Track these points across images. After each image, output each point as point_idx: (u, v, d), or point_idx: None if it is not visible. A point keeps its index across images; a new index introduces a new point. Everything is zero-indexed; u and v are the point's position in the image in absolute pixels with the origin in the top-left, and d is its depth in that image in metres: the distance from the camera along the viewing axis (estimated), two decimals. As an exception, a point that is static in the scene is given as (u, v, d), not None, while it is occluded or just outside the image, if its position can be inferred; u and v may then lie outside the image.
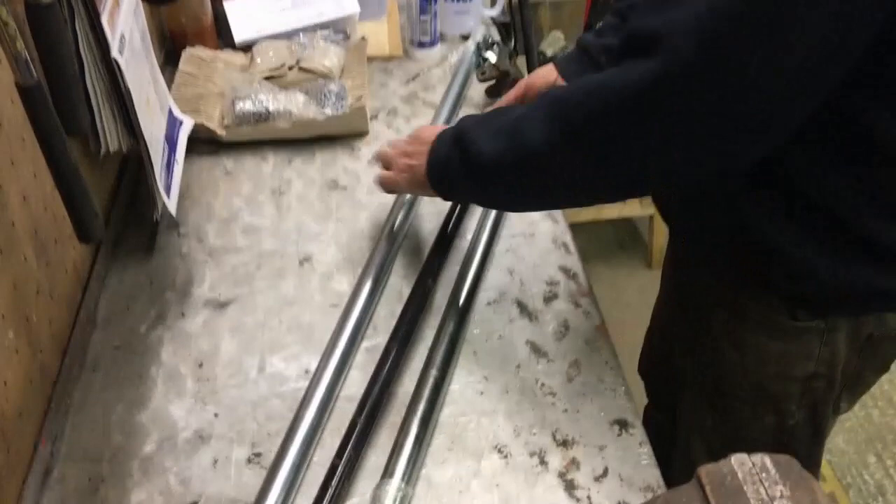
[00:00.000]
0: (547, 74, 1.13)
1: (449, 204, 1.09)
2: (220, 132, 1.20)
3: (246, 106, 1.19)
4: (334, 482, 0.74)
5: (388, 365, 0.85)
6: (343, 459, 0.76)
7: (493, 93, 1.32)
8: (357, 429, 0.79)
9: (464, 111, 1.31)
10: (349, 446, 0.77)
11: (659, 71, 0.63)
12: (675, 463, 1.09)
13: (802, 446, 0.98)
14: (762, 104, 0.63)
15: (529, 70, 1.75)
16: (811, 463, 1.03)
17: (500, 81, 1.30)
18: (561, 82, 1.11)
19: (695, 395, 1.03)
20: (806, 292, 0.84)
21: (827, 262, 0.79)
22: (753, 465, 0.57)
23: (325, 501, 0.73)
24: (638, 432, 0.83)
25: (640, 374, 1.26)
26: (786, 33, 0.59)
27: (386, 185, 0.96)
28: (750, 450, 0.79)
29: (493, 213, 1.05)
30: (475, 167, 0.79)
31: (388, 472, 0.75)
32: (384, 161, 0.96)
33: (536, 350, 0.91)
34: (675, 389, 1.07)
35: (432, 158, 0.85)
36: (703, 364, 0.98)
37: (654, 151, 0.68)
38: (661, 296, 1.17)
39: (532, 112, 0.74)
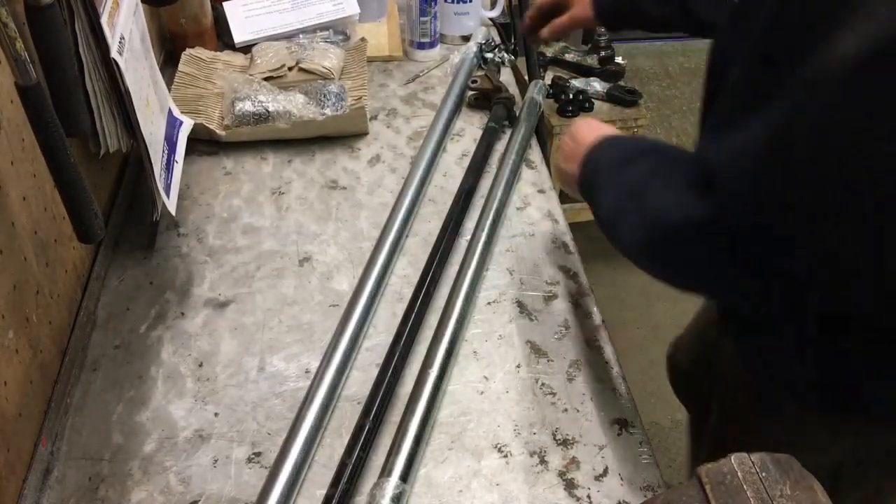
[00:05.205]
0: None
1: (449, 204, 1.09)
2: (220, 132, 1.20)
3: (245, 106, 1.19)
4: (343, 481, 0.74)
5: (392, 365, 0.85)
6: (353, 459, 0.76)
7: (477, 105, 1.31)
8: (366, 429, 0.79)
9: (464, 112, 1.31)
10: (360, 448, 0.77)
11: (709, 217, 0.64)
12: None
13: None
14: (810, 266, 0.62)
15: (529, 71, 1.75)
16: None
17: (488, 94, 1.29)
18: None
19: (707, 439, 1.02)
20: (811, 377, 0.81)
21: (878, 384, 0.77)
22: (754, 464, 0.57)
23: (334, 501, 0.73)
24: (638, 432, 0.83)
25: (674, 388, 1.23)
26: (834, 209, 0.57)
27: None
28: None
29: (492, 213, 1.05)
30: (596, 212, 0.83)
31: (385, 471, 0.75)
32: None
33: (536, 350, 0.91)
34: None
35: (581, 176, 0.87)
36: (722, 421, 0.97)
37: (705, 278, 0.70)
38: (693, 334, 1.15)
39: (629, 207, 0.76)
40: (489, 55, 1.38)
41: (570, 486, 0.78)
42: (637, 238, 0.74)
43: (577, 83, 2.26)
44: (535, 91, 1.29)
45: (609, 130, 0.90)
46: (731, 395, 0.93)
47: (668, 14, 1.06)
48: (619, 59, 2.38)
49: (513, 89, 1.36)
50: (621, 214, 0.77)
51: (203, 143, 1.21)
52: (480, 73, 1.32)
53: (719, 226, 0.64)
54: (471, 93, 1.31)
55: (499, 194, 1.08)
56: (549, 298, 0.98)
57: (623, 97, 2.23)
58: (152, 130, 0.97)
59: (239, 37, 1.39)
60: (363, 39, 1.39)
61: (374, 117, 1.30)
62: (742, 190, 0.61)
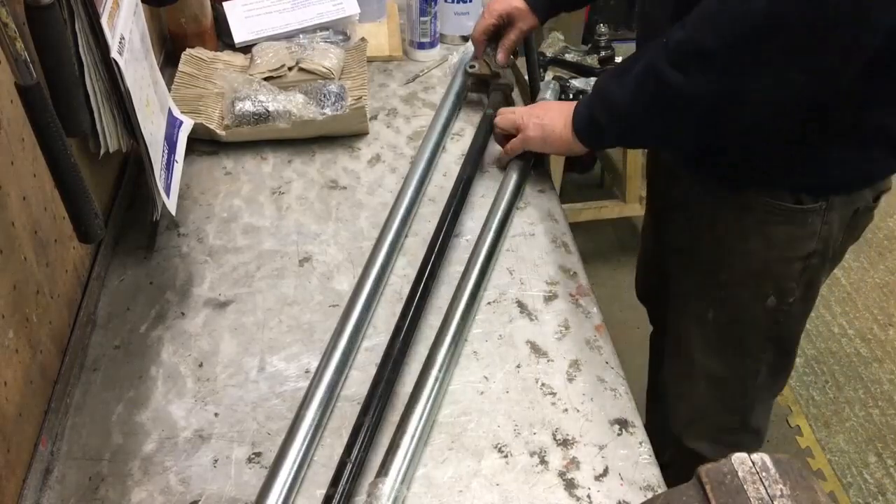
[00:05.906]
0: None
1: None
2: (220, 132, 1.20)
3: (245, 106, 1.19)
4: (343, 481, 0.74)
5: (390, 365, 0.85)
6: (352, 459, 0.76)
7: (475, 89, 1.31)
8: (365, 428, 0.79)
9: (464, 112, 1.31)
10: (359, 446, 0.77)
11: (766, 7, 0.75)
12: (670, 362, 1.21)
13: (795, 322, 1.08)
14: (859, 30, 0.74)
15: (530, 72, 1.75)
16: (796, 340, 1.12)
17: (485, 81, 1.29)
18: (521, 5, 1.21)
19: (693, 294, 1.12)
20: (810, 180, 0.93)
21: (836, 150, 0.90)
22: (754, 464, 0.57)
23: (335, 501, 0.73)
24: (638, 432, 0.83)
25: (640, 299, 1.45)
26: None
27: (517, 147, 1.09)
28: (749, 334, 1.05)
29: (500, 213, 1.04)
30: (617, 117, 0.93)
31: (383, 471, 0.75)
32: (509, 125, 1.09)
33: (536, 350, 0.91)
34: (670, 300, 1.19)
35: (577, 119, 1.00)
36: (706, 262, 1.07)
37: (772, 74, 0.80)
38: (649, 214, 1.34)
39: (655, 59, 0.86)
40: (487, 50, 1.37)
41: (570, 486, 0.78)
42: (682, 61, 0.82)
43: (578, 83, 2.25)
44: (549, 93, 1.29)
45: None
46: (715, 235, 1.04)
47: None
48: (619, 59, 2.38)
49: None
50: (651, 68, 0.86)
51: (203, 143, 1.21)
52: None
53: (779, 15, 0.75)
54: (468, 77, 1.30)
55: (507, 195, 1.07)
56: (549, 298, 0.98)
57: (623, 97, 2.22)
58: (152, 130, 0.97)
59: (239, 37, 1.39)
60: (363, 39, 1.39)
61: (374, 117, 1.30)
62: None
